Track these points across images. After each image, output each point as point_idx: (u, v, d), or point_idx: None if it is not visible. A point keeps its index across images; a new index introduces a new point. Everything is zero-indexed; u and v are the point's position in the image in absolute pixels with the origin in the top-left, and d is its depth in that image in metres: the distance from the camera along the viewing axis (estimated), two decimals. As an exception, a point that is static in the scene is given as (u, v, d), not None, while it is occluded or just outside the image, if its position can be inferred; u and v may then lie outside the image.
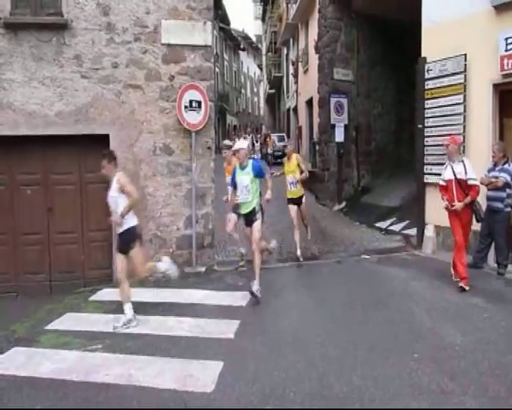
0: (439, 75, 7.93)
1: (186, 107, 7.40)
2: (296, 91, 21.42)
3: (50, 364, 4.33)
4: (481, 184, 6.35)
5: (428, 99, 8.18)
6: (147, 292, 6.44)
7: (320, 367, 4.02)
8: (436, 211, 7.62)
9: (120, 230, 5.20)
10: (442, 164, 7.43)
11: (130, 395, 3.70)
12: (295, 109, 22.44)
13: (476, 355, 4.17)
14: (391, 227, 10.13)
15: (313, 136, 15.84)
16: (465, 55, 7.46)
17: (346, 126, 12.97)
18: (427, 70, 8.15)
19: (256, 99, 55.57)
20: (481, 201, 6.33)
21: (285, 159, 8.12)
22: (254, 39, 48.53)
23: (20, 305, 6.77)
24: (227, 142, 8.25)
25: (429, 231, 8.15)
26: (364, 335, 4.72)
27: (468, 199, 5.96)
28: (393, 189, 12.34)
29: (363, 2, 12.71)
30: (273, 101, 38.24)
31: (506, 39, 6.80)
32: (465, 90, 7.54)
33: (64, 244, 7.31)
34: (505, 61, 6.85)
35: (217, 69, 29.50)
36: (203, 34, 7.52)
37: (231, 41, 39.55)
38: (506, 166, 6.53)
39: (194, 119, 7.46)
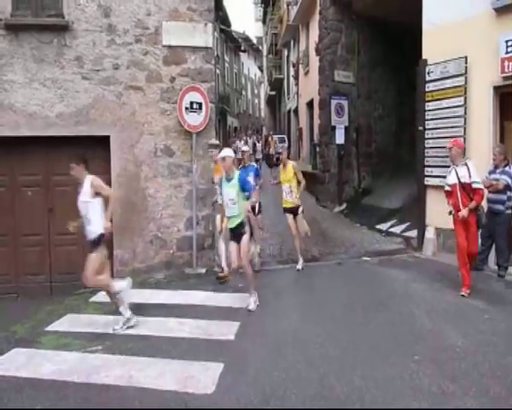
0: (440, 77, 7.93)
1: (187, 108, 7.41)
2: (297, 93, 21.45)
3: (51, 365, 4.33)
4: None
5: (429, 101, 8.18)
6: (147, 293, 6.47)
7: (320, 368, 4.03)
8: (437, 213, 7.63)
9: (93, 235, 5.05)
10: (443, 166, 7.48)
11: (131, 397, 3.70)
12: (296, 111, 22.47)
13: (477, 357, 4.17)
14: (391, 229, 10.13)
15: (314, 137, 15.86)
16: (466, 57, 7.47)
17: (346, 128, 12.97)
18: (428, 72, 8.15)
19: (257, 101, 55.64)
20: (482, 203, 6.24)
21: (280, 166, 7.84)
22: (255, 41, 48.56)
23: (21, 306, 6.78)
24: (213, 141, 7.93)
25: (430, 233, 8.15)
26: (365, 336, 4.72)
27: (473, 204, 5.82)
28: (394, 190, 12.32)
29: (364, 4, 12.72)
30: (274, 102, 38.24)
31: (506, 42, 6.80)
32: (466, 93, 7.54)
33: (64, 245, 7.30)
34: (506, 64, 6.85)
35: (217, 71, 29.49)
36: (204, 36, 7.53)
37: (232, 43, 39.56)
38: (507, 168, 6.52)
39: (194, 120, 7.47)
